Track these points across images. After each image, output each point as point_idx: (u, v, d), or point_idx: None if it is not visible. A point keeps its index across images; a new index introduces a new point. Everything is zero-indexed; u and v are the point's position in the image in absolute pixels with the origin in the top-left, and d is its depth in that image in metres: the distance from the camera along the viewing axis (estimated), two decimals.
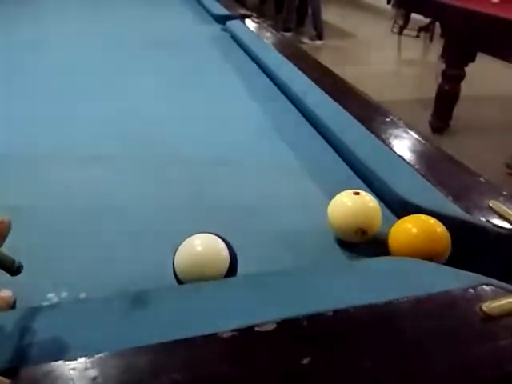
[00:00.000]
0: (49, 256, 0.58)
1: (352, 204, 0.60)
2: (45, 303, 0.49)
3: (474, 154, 2.22)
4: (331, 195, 0.62)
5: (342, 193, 0.61)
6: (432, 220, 0.56)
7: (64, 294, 0.51)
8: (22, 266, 0.42)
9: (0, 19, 1.85)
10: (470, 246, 0.57)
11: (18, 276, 0.54)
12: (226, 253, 0.50)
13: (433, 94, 2.72)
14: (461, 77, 2.60)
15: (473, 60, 2.54)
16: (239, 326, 0.40)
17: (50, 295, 0.50)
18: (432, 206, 0.61)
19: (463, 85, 2.62)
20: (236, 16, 1.77)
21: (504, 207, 0.59)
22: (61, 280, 0.53)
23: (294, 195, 0.72)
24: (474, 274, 0.48)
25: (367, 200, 0.60)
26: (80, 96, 1.12)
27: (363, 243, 0.60)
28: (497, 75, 3.44)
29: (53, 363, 0.37)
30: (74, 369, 0.37)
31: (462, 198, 0.62)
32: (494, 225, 0.57)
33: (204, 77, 1.27)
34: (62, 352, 0.38)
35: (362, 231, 0.58)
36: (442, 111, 2.71)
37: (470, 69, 2.59)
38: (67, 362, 0.37)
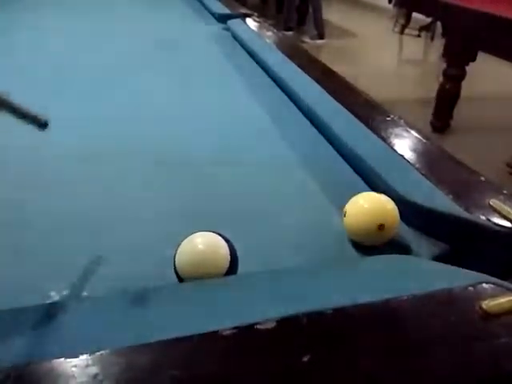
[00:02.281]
0: (50, 255, 0.58)
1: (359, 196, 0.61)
2: (46, 302, 0.49)
3: (475, 153, 2.21)
4: (331, 194, 0.62)
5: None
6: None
7: (65, 293, 0.51)
8: (48, 121, 0.40)
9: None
10: (470, 245, 0.58)
11: (19, 274, 0.54)
12: (226, 251, 0.50)
13: (434, 94, 2.72)
14: (462, 76, 2.60)
15: (474, 59, 2.54)
16: (239, 323, 0.40)
17: (52, 294, 0.51)
18: (432, 204, 0.61)
19: (464, 84, 2.62)
20: (237, 15, 1.77)
21: (504, 206, 0.59)
22: (62, 279, 0.53)
23: (295, 194, 0.72)
24: (474, 272, 0.48)
25: (374, 196, 0.61)
26: (80, 95, 1.12)
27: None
28: (498, 74, 3.43)
29: (54, 360, 0.37)
30: (75, 366, 0.37)
31: (462, 196, 0.62)
32: (495, 223, 0.57)
33: (205, 76, 1.27)
34: (63, 349, 0.38)
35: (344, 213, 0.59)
36: (443, 110, 2.71)
37: (470, 68, 2.59)
38: (68, 360, 0.37)
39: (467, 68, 2.57)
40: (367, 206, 0.60)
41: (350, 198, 0.61)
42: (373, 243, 0.59)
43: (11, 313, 0.44)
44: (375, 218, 0.58)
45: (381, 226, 0.57)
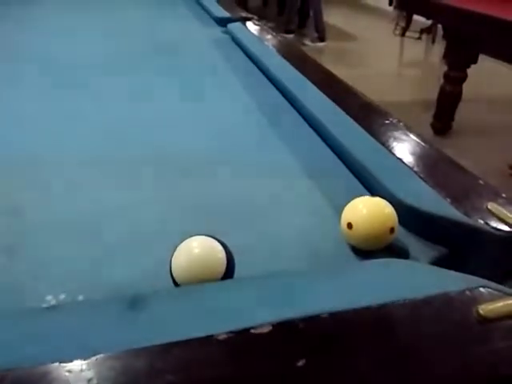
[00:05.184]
0: (48, 258, 0.58)
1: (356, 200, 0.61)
2: (43, 305, 0.49)
3: (476, 156, 2.21)
4: (329, 197, 0.62)
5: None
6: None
7: (62, 297, 0.51)
8: None
9: None
10: (468, 249, 0.57)
11: (16, 278, 0.54)
12: (223, 255, 0.50)
13: (435, 96, 2.72)
14: (463, 78, 2.60)
15: (475, 62, 2.54)
16: (235, 327, 0.40)
17: (48, 297, 0.51)
18: (430, 208, 0.61)
19: (465, 86, 2.62)
20: (237, 19, 1.78)
21: (503, 210, 0.59)
22: (59, 282, 0.53)
23: (293, 197, 0.72)
24: (472, 276, 0.48)
25: (376, 201, 0.60)
26: (80, 96, 1.12)
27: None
28: (499, 77, 3.43)
29: (49, 365, 0.37)
30: (69, 371, 0.37)
31: (460, 200, 0.62)
32: (493, 227, 0.57)
33: (204, 79, 1.28)
34: (58, 354, 0.38)
35: (349, 224, 0.58)
36: (444, 113, 2.71)
37: (471, 70, 2.59)
38: (63, 364, 0.37)
39: (468, 70, 2.57)
40: (376, 213, 0.59)
41: (347, 201, 0.61)
42: (379, 247, 0.59)
43: (7, 316, 0.44)
44: (387, 223, 0.57)
45: (392, 230, 0.57)
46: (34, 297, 0.51)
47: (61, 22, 1.92)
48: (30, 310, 0.45)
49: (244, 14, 1.87)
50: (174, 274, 0.50)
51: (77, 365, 0.37)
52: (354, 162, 0.77)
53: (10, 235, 0.63)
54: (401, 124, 0.87)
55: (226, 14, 1.85)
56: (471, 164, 0.73)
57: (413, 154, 0.76)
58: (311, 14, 4.85)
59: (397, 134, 0.83)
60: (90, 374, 0.37)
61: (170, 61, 1.42)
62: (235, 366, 0.39)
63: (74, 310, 0.46)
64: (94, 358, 0.38)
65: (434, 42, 4.78)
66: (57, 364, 0.37)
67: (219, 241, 0.51)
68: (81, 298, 0.51)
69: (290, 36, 4.71)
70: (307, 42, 4.72)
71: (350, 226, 0.58)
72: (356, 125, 0.85)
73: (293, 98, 1.07)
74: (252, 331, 0.40)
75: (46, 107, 1.06)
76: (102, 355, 0.38)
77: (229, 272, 0.50)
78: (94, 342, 0.40)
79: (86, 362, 0.37)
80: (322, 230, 0.63)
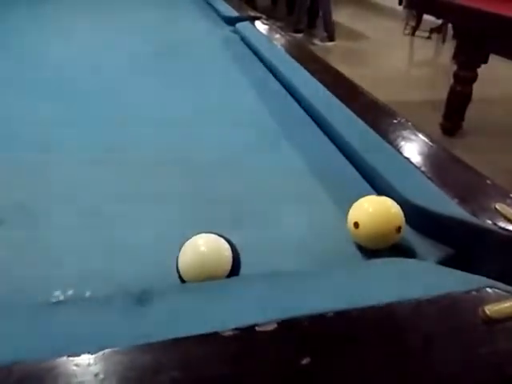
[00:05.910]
0: (55, 255, 0.59)
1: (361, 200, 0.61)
2: (51, 300, 0.50)
3: (486, 156, 2.20)
4: (334, 196, 0.62)
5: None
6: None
7: (70, 293, 0.52)
8: None
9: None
10: (475, 249, 0.57)
11: (25, 274, 0.55)
12: (229, 253, 0.50)
13: (444, 96, 2.70)
14: (473, 78, 2.57)
15: (485, 61, 2.51)
16: (240, 325, 0.40)
17: (57, 293, 0.51)
18: (437, 207, 0.60)
19: (475, 86, 2.60)
20: (246, 18, 1.78)
21: (511, 210, 0.59)
22: (66, 279, 0.54)
23: (297, 196, 0.72)
24: (478, 276, 0.48)
25: (382, 200, 0.60)
26: (84, 96, 1.13)
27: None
28: (509, 77, 3.40)
29: (57, 359, 0.38)
30: (77, 365, 0.37)
31: (468, 200, 0.62)
32: (501, 228, 0.56)
33: (212, 78, 1.28)
34: (66, 348, 0.39)
35: (355, 223, 0.58)
36: (454, 113, 2.68)
37: (482, 70, 2.56)
38: (71, 358, 0.38)
39: (479, 69, 2.54)
40: (382, 212, 0.59)
41: (353, 200, 0.61)
42: (386, 247, 0.58)
43: (15, 311, 0.45)
44: (393, 222, 0.57)
45: (398, 229, 0.57)
46: (43, 292, 0.51)
47: (73, 22, 1.93)
48: (39, 305, 0.46)
49: (253, 14, 1.87)
50: (181, 272, 0.50)
51: (84, 359, 0.38)
52: (361, 161, 0.76)
53: (19, 232, 0.64)
54: (409, 123, 0.86)
55: (235, 14, 1.86)
56: (480, 164, 0.72)
57: (421, 153, 0.76)
58: (320, 13, 4.84)
59: (405, 133, 0.83)
60: (97, 368, 0.37)
61: (179, 60, 1.42)
62: (240, 362, 0.39)
63: (81, 306, 0.46)
64: (101, 353, 0.38)
65: (444, 41, 4.74)
66: (65, 358, 0.38)
67: (225, 239, 0.51)
68: (88, 293, 0.51)
69: (299, 35, 4.70)
70: (316, 41, 4.71)
71: (356, 225, 0.58)
72: (363, 124, 0.85)
73: (300, 97, 1.07)
74: (257, 329, 0.40)
75: (60, 108, 1.07)
76: (108, 350, 0.38)
77: (235, 270, 0.50)
78: (101, 337, 0.40)
79: (93, 356, 0.38)
80: (329, 229, 0.63)
